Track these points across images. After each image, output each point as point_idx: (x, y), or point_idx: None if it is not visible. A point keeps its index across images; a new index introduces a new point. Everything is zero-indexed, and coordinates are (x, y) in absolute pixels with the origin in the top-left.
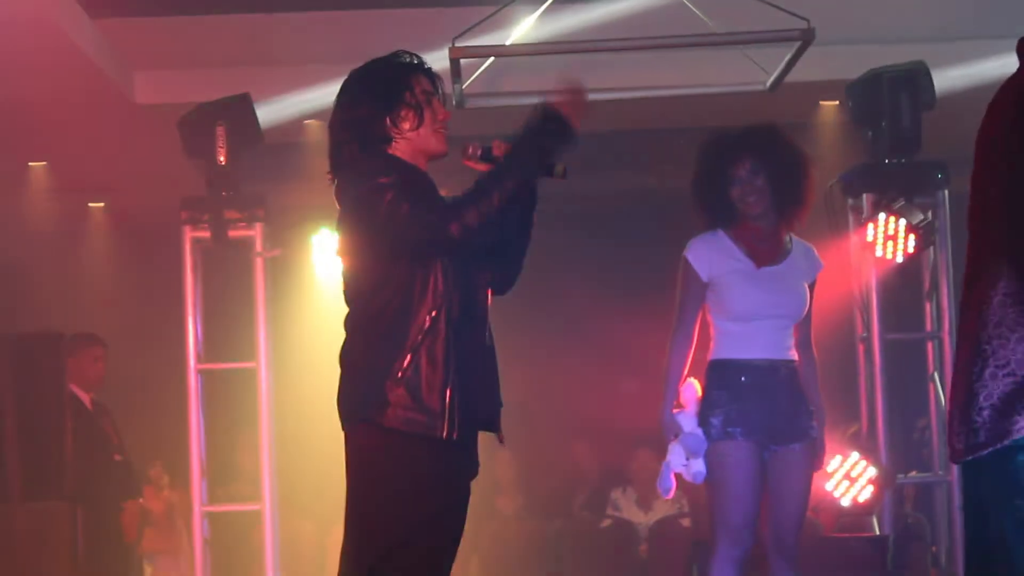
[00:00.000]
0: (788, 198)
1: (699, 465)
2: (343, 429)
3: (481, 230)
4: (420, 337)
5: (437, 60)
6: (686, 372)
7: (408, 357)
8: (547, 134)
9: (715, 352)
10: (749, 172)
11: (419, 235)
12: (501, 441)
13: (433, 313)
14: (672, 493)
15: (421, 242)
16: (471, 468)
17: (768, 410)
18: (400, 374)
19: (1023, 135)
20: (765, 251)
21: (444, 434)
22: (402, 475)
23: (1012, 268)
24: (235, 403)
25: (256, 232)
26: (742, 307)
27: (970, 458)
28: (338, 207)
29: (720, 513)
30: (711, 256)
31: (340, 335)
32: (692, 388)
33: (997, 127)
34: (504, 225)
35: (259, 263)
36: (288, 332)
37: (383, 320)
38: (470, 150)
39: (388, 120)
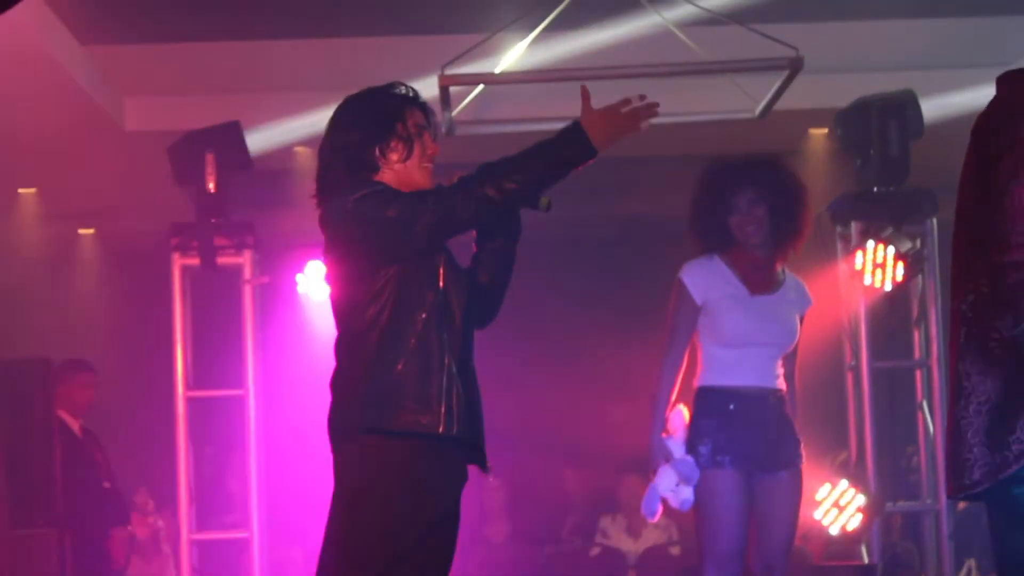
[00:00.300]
0: (786, 229)
1: (688, 492)
2: (336, 448)
3: (475, 217)
4: (414, 340)
5: (426, 88)
6: (675, 397)
7: (403, 361)
8: (568, 149)
9: (703, 378)
10: (750, 201)
11: (415, 227)
12: (487, 472)
13: (424, 316)
14: (657, 517)
15: (418, 232)
16: (464, 474)
17: (756, 438)
18: (398, 378)
19: (982, 168)
20: (759, 279)
21: (442, 429)
22: (405, 480)
23: (978, 300)
24: (223, 430)
25: (245, 259)
26: (734, 332)
27: (966, 494)
28: (322, 232)
29: (708, 542)
30: (707, 279)
31: (329, 361)
32: (680, 414)
33: (967, 159)
34: (493, 217)
35: (248, 290)
36: (277, 359)
37: (374, 332)
38: (456, 179)
39: (377, 149)
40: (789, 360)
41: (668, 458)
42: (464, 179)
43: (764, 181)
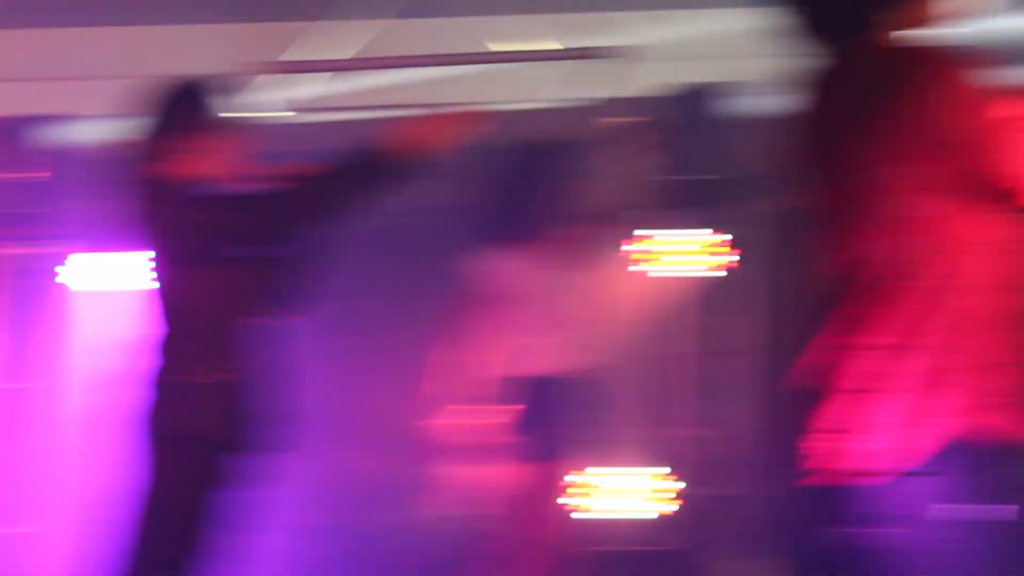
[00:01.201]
0: None
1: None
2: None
3: (294, 226)
4: (217, 341)
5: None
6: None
7: (200, 361)
8: (382, 170)
9: (513, 365)
10: None
11: (230, 232)
12: (296, 458)
13: (226, 314)
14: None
15: (235, 238)
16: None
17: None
18: (193, 381)
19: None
20: None
21: (225, 435)
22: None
23: None
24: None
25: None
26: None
27: None
28: (133, 229)
29: None
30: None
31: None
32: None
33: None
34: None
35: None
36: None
37: (175, 331)
38: (260, 166)
39: (180, 144)
40: None
41: (488, 445)
42: (284, 192)
43: None
